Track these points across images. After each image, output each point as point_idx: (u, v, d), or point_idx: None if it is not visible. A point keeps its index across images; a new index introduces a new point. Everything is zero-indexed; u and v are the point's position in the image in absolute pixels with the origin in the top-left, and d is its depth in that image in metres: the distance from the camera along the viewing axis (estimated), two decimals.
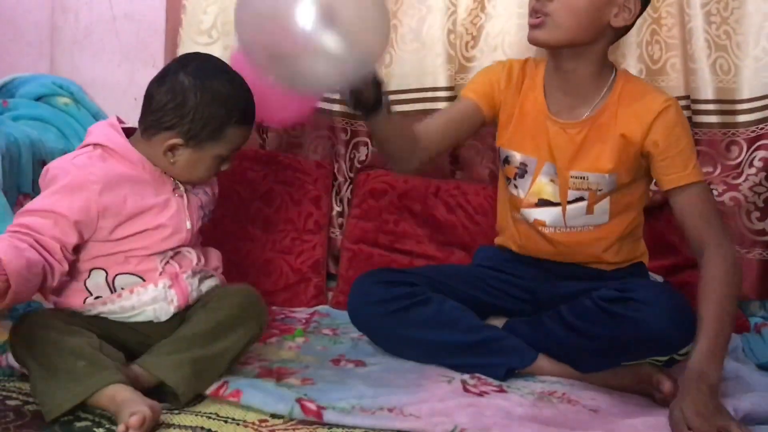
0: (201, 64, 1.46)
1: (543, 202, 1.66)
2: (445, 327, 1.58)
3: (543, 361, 1.58)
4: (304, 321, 1.89)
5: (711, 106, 2.03)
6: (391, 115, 1.56)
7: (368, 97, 1.48)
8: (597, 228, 1.65)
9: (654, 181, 1.65)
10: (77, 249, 1.39)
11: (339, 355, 1.65)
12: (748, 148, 2.02)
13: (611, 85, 1.61)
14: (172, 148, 1.43)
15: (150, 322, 1.43)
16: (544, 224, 1.66)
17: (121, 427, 1.16)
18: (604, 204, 1.63)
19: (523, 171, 1.67)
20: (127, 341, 1.42)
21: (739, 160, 2.03)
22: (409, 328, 1.59)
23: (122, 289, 1.42)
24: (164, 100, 1.41)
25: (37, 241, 1.30)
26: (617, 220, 1.65)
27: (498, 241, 1.81)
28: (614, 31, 1.58)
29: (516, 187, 1.68)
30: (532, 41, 1.58)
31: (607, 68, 1.63)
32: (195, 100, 1.41)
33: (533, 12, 1.55)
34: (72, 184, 1.36)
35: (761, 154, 1.99)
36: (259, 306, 1.49)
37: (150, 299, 1.42)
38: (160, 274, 1.43)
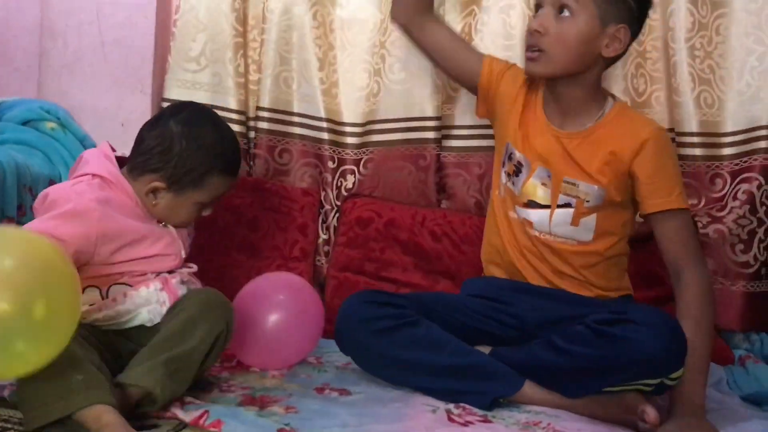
0: (192, 113, 1.56)
1: (532, 204, 1.72)
2: (432, 348, 1.58)
3: (529, 389, 1.57)
4: None
5: (695, 139, 2.06)
6: None
7: None
8: (580, 244, 1.70)
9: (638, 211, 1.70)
10: None
11: (323, 383, 1.63)
12: (732, 181, 2.04)
13: (605, 109, 1.70)
14: (155, 191, 1.51)
15: (142, 327, 1.45)
16: (531, 225, 1.72)
17: None
18: (590, 220, 1.68)
19: (518, 169, 1.75)
20: (122, 353, 1.43)
21: (723, 192, 2.05)
22: (397, 347, 1.59)
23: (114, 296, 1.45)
24: (152, 143, 1.51)
25: None
26: (600, 242, 1.70)
27: (487, 271, 1.83)
28: (605, 60, 1.68)
29: (513, 184, 1.75)
30: (529, 74, 1.71)
31: (601, 95, 1.73)
32: (180, 146, 1.50)
33: (529, 46, 1.66)
34: (73, 210, 1.41)
35: (745, 186, 2.01)
36: (223, 303, 1.50)
37: (143, 300, 1.45)
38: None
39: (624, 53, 1.70)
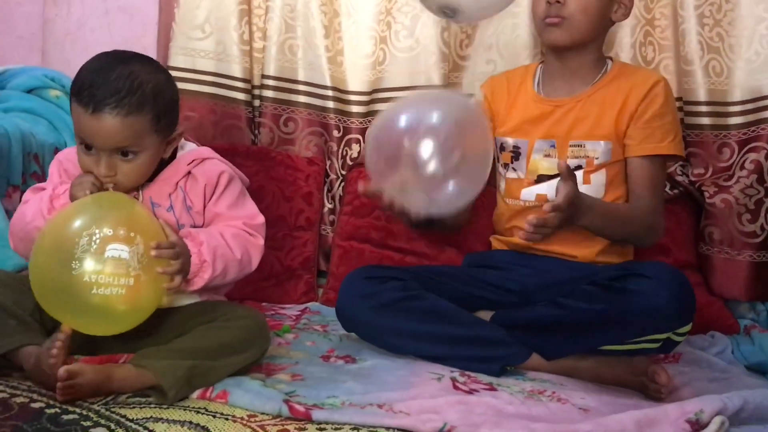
0: None
1: (542, 177, 1.73)
2: (438, 320, 1.58)
3: (536, 358, 1.57)
4: (294, 318, 1.88)
5: (703, 108, 2.04)
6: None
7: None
8: None
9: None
10: None
11: (328, 350, 1.64)
12: (740, 151, 2.02)
13: (606, 70, 1.76)
14: None
15: None
16: (545, 198, 1.70)
17: (57, 343, 1.25)
18: (600, 176, 1.71)
19: (517, 154, 1.77)
20: None
21: (730, 162, 2.03)
22: (402, 320, 1.59)
23: None
24: None
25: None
26: (611, 194, 1.71)
27: (494, 242, 1.84)
28: (612, 24, 1.77)
29: (514, 170, 1.77)
30: (551, 43, 1.72)
31: (602, 58, 1.78)
32: None
33: (548, 15, 1.68)
34: (51, 167, 1.53)
35: (752, 156, 2.00)
36: (265, 333, 1.47)
37: None
38: None
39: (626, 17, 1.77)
